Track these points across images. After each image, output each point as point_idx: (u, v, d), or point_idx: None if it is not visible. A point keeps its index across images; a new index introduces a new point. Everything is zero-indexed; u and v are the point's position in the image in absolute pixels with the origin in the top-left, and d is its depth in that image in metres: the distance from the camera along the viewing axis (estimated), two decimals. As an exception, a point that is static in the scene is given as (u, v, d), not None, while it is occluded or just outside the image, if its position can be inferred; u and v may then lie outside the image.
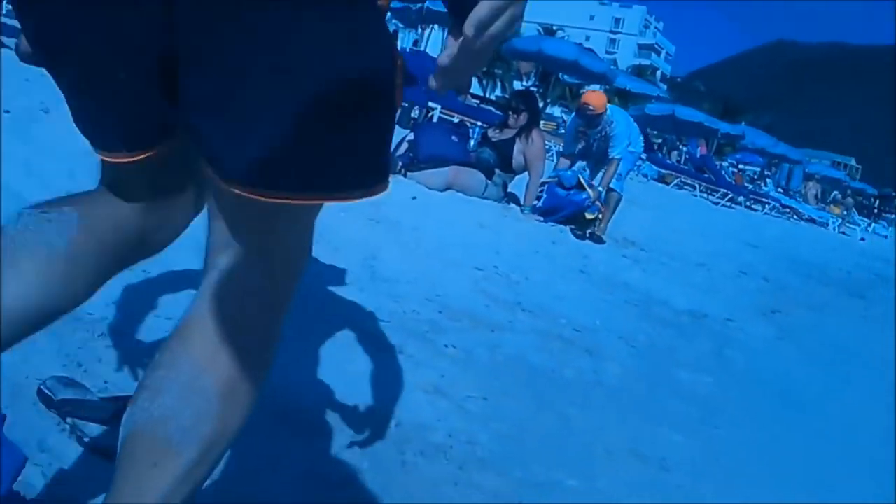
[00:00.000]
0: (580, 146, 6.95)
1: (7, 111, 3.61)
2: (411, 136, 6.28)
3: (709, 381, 3.44)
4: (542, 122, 8.88)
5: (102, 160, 1.14)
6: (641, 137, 7.81)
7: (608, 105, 6.81)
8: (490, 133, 6.64)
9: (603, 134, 6.78)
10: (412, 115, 10.02)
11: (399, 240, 4.03)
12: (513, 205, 6.43)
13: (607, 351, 3.46)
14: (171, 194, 1.18)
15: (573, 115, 7.01)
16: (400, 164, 5.87)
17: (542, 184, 6.38)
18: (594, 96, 6.87)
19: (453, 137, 6.33)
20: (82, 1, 0.97)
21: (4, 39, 5.44)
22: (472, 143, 6.60)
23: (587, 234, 6.08)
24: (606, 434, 2.49)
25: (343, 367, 2.41)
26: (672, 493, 2.25)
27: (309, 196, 0.99)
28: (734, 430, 2.94)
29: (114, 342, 2.01)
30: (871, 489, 2.67)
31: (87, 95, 1.07)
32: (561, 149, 7.93)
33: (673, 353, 3.77)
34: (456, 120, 9.80)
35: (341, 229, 3.74)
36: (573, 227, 6.04)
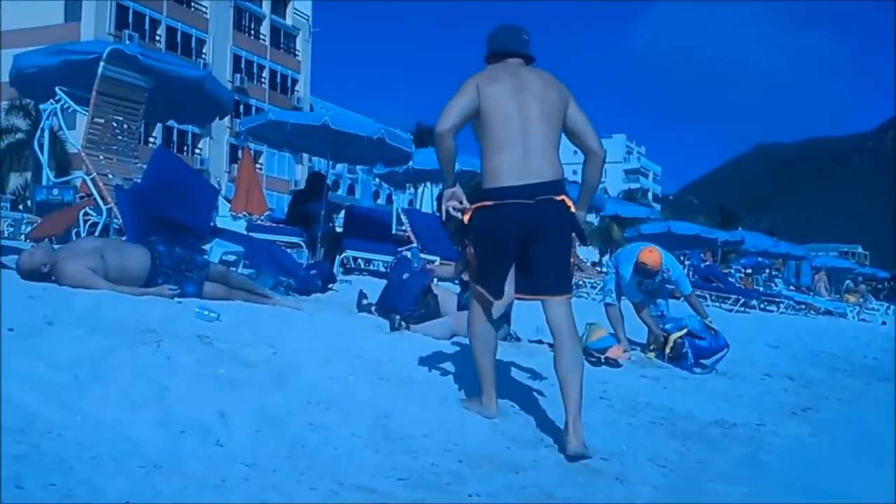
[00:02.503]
0: (643, 293, 7.28)
1: (10, 329, 3.66)
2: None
3: (745, 491, 3.32)
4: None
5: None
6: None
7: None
8: (466, 277, 6.53)
9: (662, 278, 7.25)
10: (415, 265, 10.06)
11: (410, 395, 3.98)
12: (523, 339, 6.36)
13: (637, 475, 3.36)
14: None
15: (630, 271, 7.13)
16: (398, 318, 5.79)
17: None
18: (650, 256, 7.05)
19: (405, 275, 6.33)
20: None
21: (4, 260, 5.58)
22: (416, 263, 6.63)
23: (602, 361, 6.01)
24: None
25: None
26: None
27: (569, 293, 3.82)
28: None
29: None
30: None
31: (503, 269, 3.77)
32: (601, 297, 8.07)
33: (705, 467, 3.66)
34: (391, 259, 9.93)
35: (350, 393, 3.72)
36: (591, 359, 5.91)
